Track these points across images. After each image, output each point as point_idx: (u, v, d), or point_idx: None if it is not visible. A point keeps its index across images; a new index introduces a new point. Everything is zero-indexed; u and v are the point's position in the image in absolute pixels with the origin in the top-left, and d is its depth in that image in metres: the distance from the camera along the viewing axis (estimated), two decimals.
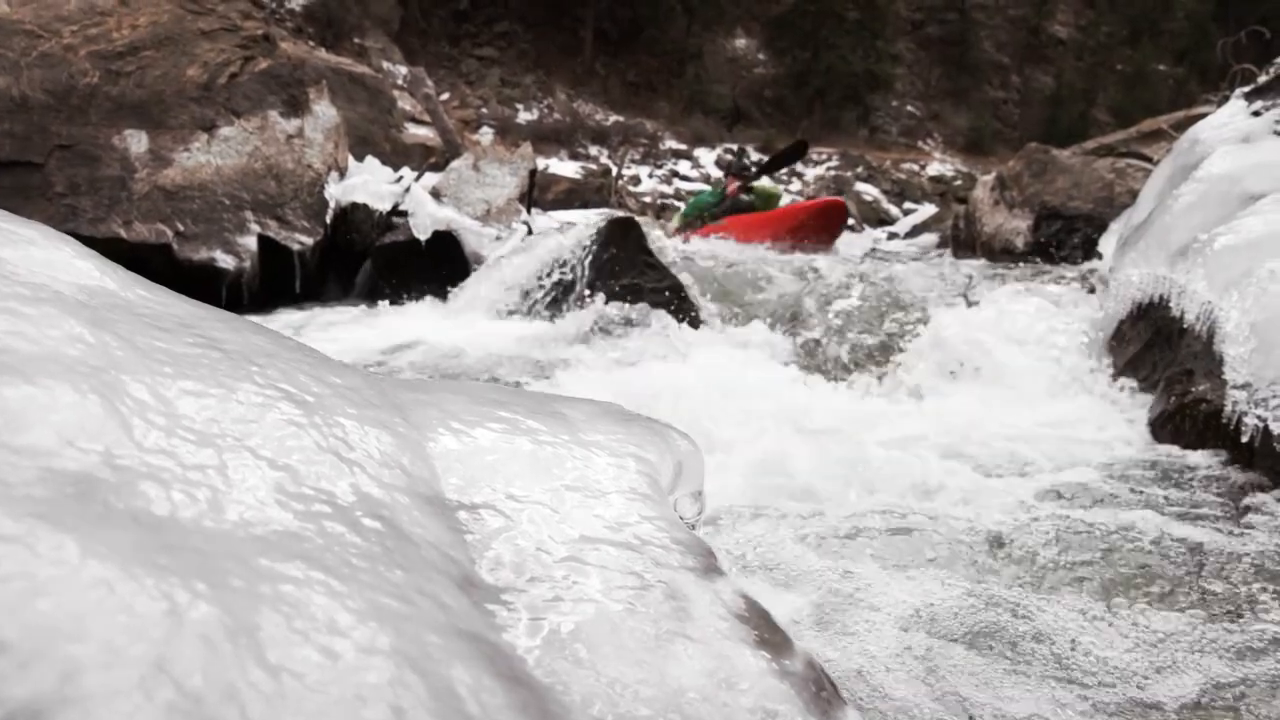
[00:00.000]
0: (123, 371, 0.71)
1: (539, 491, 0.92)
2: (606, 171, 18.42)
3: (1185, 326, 3.93)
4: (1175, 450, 3.63)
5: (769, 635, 0.84)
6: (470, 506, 0.87)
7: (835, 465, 3.02)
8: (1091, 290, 5.14)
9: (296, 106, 7.83)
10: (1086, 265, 6.62)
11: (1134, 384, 4.32)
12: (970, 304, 5.01)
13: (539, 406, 1.14)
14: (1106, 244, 5.54)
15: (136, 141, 6.91)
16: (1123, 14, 38.13)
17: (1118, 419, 4.18)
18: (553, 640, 0.72)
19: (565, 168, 18.32)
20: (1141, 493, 3.02)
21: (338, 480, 0.76)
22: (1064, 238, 9.42)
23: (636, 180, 20.49)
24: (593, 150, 21.81)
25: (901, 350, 4.81)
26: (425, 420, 0.96)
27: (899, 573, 2.06)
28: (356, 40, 20.57)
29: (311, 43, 17.22)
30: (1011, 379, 4.48)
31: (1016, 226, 10.16)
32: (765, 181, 11.28)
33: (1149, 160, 11.45)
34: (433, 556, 0.75)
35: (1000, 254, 9.93)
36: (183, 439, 0.69)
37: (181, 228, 6.77)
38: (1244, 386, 3.27)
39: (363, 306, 6.89)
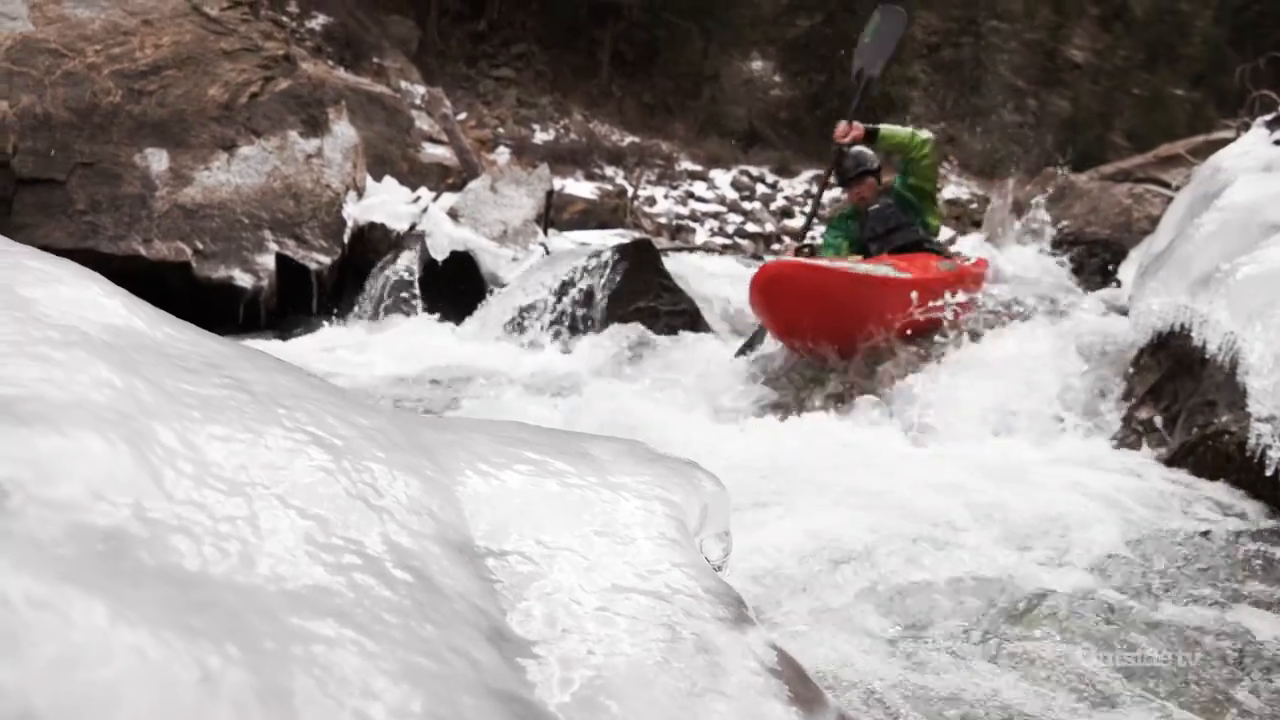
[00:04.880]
0: (152, 418, 0.70)
1: (568, 537, 0.91)
2: (622, 192, 18.46)
3: (1207, 357, 3.89)
4: (1194, 481, 3.59)
5: (802, 690, 0.82)
6: (499, 553, 0.85)
7: (848, 496, 3.00)
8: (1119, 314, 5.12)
9: (316, 126, 7.88)
10: (1105, 292, 6.59)
11: (1153, 414, 4.28)
12: (984, 331, 4.97)
13: (565, 446, 1.13)
14: (1126, 271, 5.51)
15: (157, 160, 6.96)
16: (1139, 38, 38.16)
17: (1135, 450, 4.14)
18: (585, 696, 0.71)
19: (581, 188, 18.37)
20: (1161, 530, 2.98)
21: (367, 529, 0.74)
22: (1081, 263, 9.38)
23: (652, 201, 20.52)
24: (609, 171, 21.87)
25: (909, 378, 4.77)
26: (452, 462, 0.95)
27: (912, 633, 2.03)
28: (375, 60, 20.71)
29: (331, 62, 17.35)
30: (1028, 409, 4.45)
31: (1034, 250, 10.11)
32: (886, 126, 6.07)
33: (1167, 186, 11.42)
34: (463, 608, 0.73)
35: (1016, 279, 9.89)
36: (213, 488, 0.68)
37: (201, 246, 6.80)
38: (1269, 419, 3.24)
39: (379, 326, 6.90)
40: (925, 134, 6.11)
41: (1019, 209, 10.71)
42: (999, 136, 34.25)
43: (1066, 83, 38.13)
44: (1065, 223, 10.46)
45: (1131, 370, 4.54)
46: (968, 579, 2.17)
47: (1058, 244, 9.50)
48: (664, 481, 1.10)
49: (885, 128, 6.13)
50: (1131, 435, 4.29)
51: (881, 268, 5.32)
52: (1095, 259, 9.27)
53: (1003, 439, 4.19)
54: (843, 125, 6.09)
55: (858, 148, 6.20)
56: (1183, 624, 2.18)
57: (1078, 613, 2.16)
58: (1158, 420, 4.22)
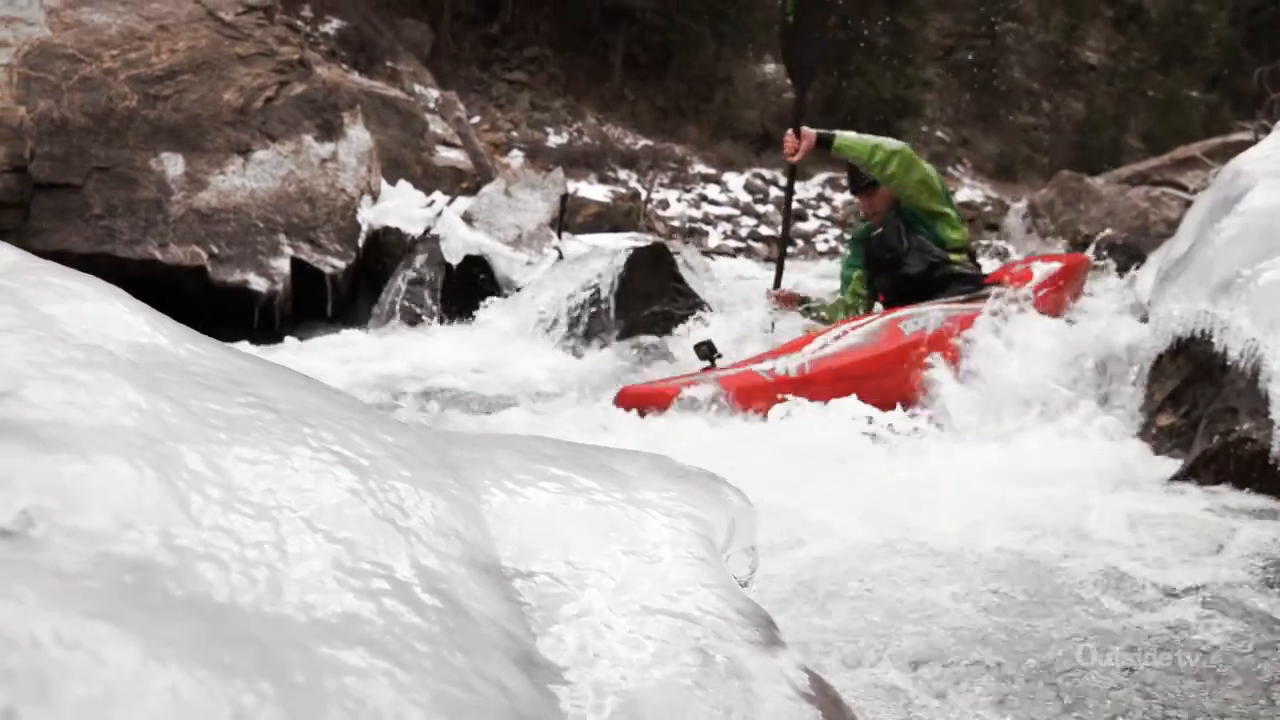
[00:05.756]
0: (178, 440, 0.69)
1: (596, 557, 0.90)
2: (635, 195, 18.46)
3: (1228, 364, 3.86)
4: (1216, 488, 3.56)
5: (836, 716, 0.81)
6: (527, 574, 0.84)
7: (870, 500, 2.98)
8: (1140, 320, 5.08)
9: (330, 131, 7.89)
10: (1122, 296, 6.53)
11: (1173, 420, 4.25)
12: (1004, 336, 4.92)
13: (590, 462, 1.12)
14: (1145, 276, 5.47)
15: (173, 164, 6.97)
16: (1154, 40, 37.97)
17: (1155, 456, 4.11)
18: None
19: (594, 191, 18.37)
20: (1178, 539, 2.95)
21: (395, 552, 0.73)
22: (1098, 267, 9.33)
23: (665, 204, 20.51)
24: (622, 174, 21.87)
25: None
26: (478, 479, 0.94)
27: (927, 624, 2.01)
28: (389, 64, 20.76)
29: (345, 66, 17.40)
30: (1045, 413, 4.42)
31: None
32: (846, 134, 5.10)
33: (1184, 189, 11.37)
34: (492, 633, 0.72)
35: None
36: (240, 513, 0.66)
37: (216, 250, 6.82)
38: None
39: (394, 330, 6.90)
40: (892, 144, 5.00)
41: (1035, 213, 10.67)
42: (1013, 139, 34.15)
43: (1081, 85, 37.98)
44: (1081, 226, 10.42)
45: (1151, 376, 4.50)
46: (996, 594, 2.15)
47: (1074, 248, 9.45)
48: (690, 498, 1.09)
49: (842, 137, 5.08)
50: (1151, 441, 4.25)
51: (786, 360, 4.45)
52: (1112, 262, 9.23)
53: (1020, 442, 4.16)
54: (790, 139, 5.26)
55: None
56: (1208, 634, 2.15)
57: (1097, 628, 2.13)
58: (1178, 427, 4.18)
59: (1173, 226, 9.79)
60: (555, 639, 0.77)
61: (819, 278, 9.74)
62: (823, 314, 5.54)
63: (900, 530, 2.30)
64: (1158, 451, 4.11)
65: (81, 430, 0.63)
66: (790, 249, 18.35)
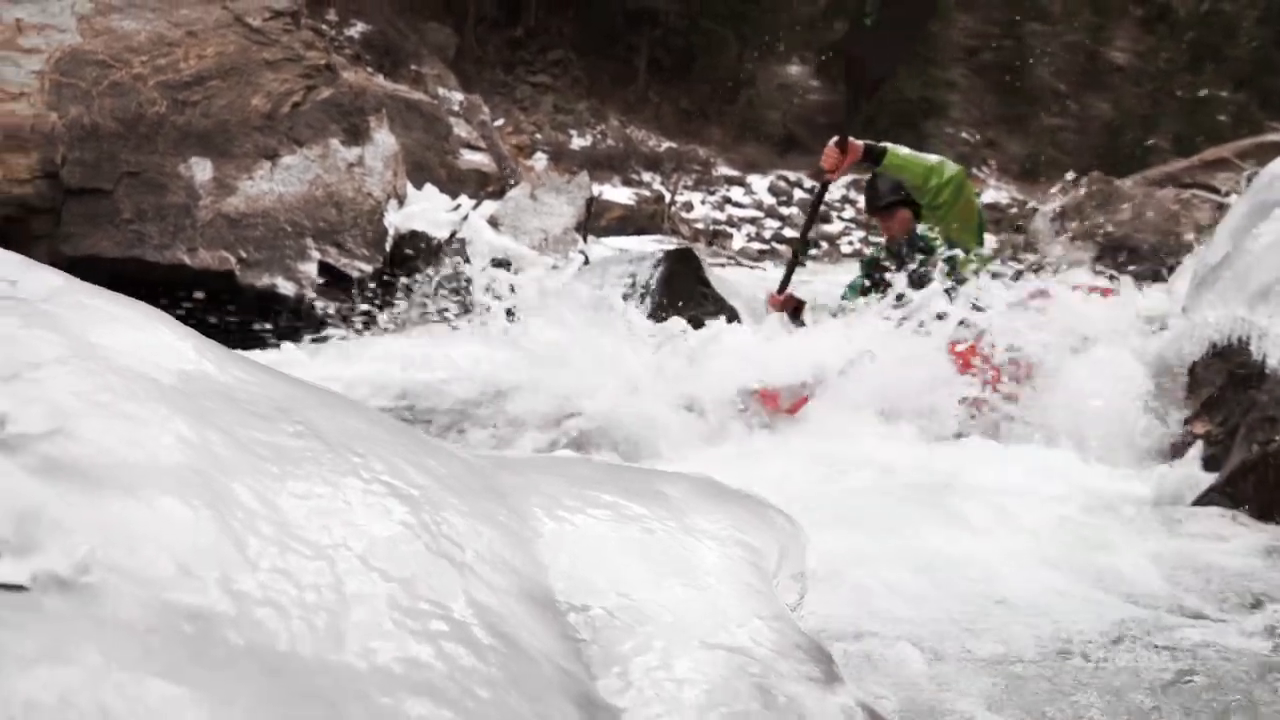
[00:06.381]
0: (231, 476, 0.67)
1: (650, 589, 0.88)
2: (660, 198, 18.43)
3: (1267, 371, 3.79)
4: (1254, 498, 3.49)
5: None
6: (581, 608, 0.82)
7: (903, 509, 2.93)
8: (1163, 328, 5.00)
9: (357, 135, 7.91)
10: (1155, 302, 6.45)
11: (1209, 428, 4.18)
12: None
13: (637, 485, 1.09)
14: (1179, 281, 5.39)
15: (202, 169, 7.00)
16: (1183, 40, 37.59)
17: (1190, 465, 4.05)
18: None
19: (618, 194, 18.36)
20: (1216, 549, 2.89)
21: (451, 589, 0.71)
22: (1127, 270, 9.25)
23: (689, 206, 20.48)
24: (645, 176, 21.86)
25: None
26: (527, 508, 0.92)
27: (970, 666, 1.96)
28: (413, 67, 20.83)
29: (369, 69, 17.47)
30: (1079, 424, 4.35)
31: (1078, 258, 9.98)
32: (899, 150, 4.53)
33: (1215, 191, 11.24)
34: (550, 673, 0.70)
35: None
36: (296, 552, 0.65)
37: (244, 254, 6.84)
38: None
39: (422, 333, 6.90)
40: (950, 169, 4.41)
41: (1063, 217, 10.58)
42: (1039, 140, 33.92)
43: (1108, 85, 37.66)
44: (1110, 229, 10.32)
45: (1186, 383, 4.44)
46: (1045, 614, 2.10)
47: (1103, 251, 9.38)
48: (740, 523, 1.06)
49: (894, 153, 4.46)
50: (1186, 449, 4.19)
51: None
52: (1143, 265, 9.14)
53: (1052, 451, 4.09)
54: (831, 151, 4.54)
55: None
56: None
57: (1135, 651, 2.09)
58: (1215, 435, 4.12)
59: (1203, 230, 9.67)
60: (614, 678, 0.75)
61: (831, 285, 9.52)
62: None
63: (948, 556, 2.24)
64: (1194, 460, 4.04)
65: (134, 468, 0.61)
66: (814, 251, 18.28)
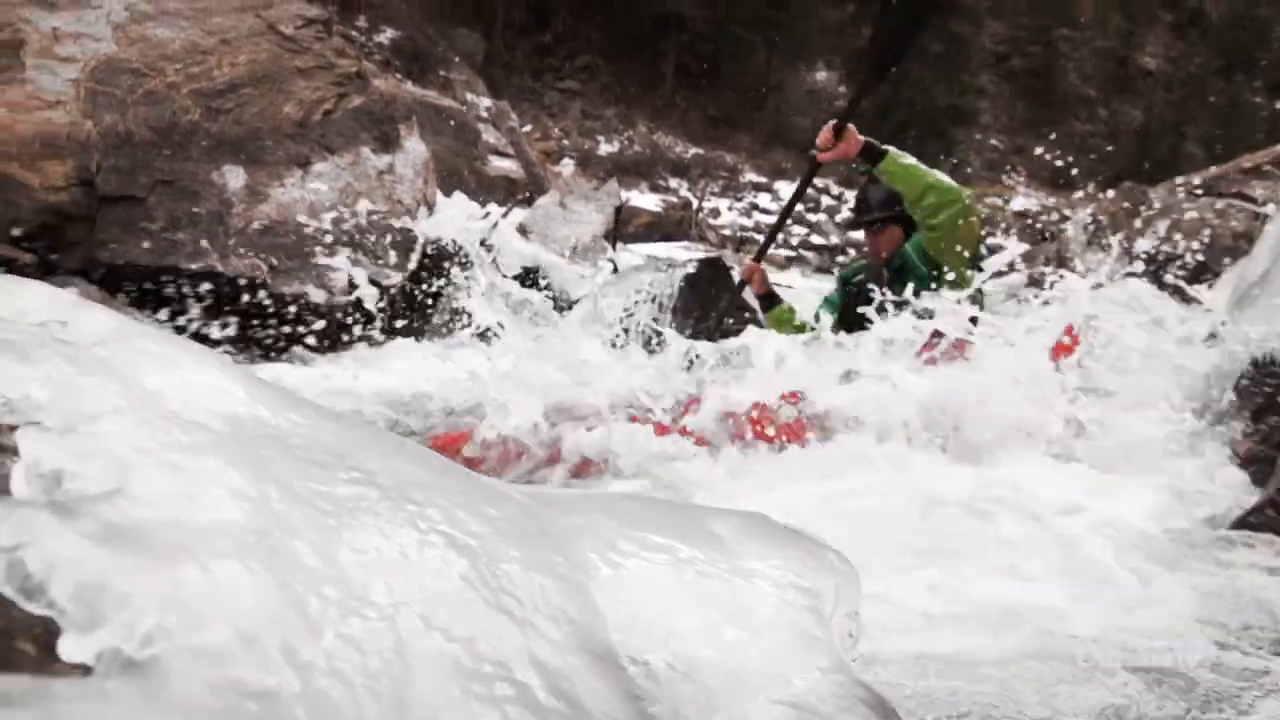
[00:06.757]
0: (290, 533, 0.65)
1: (709, 639, 0.85)
2: (687, 204, 18.41)
3: None
4: None
5: None
6: (641, 662, 0.80)
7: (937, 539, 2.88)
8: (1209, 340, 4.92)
9: (387, 143, 7.94)
10: (1194, 312, 6.36)
11: (1254, 446, 4.11)
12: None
13: (688, 524, 1.07)
14: (1219, 295, 5.31)
15: (234, 177, 7.04)
16: (1215, 45, 37.24)
17: (1234, 483, 3.98)
18: None
19: (646, 200, 18.36)
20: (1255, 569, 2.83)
21: (513, 648, 0.69)
22: (1162, 279, 9.12)
23: (716, 213, 20.46)
24: (673, 183, 21.86)
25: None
26: (583, 554, 0.90)
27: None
28: (442, 73, 20.92)
29: (399, 75, 17.56)
30: (1122, 440, 4.29)
31: (1112, 268, 9.87)
32: (902, 156, 4.06)
33: (1252, 200, 11.09)
34: None
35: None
36: (358, 615, 0.63)
37: (275, 262, 6.87)
38: None
39: (451, 342, 6.92)
40: (951, 188, 3.94)
41: (1096, 226, 10.47)
42: (1069, 146, 33.69)
43: (1139, 91, 37.37)
44: (1143, 239, 10.20)
45: (1230, 400, 4.37)
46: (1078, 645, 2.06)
47: (1141, 262, 9.23)
48: (795, 565, 1.04)
49: (894, 157, 4.02)
50: (1229, 467, 4.12)
51: None
52: (1179, 277, 9.02)
53: (1090, 472, 4.03)
54: (826, 132, 4.13)
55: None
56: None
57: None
58: (1257, 453, 4.05)
59: (1240, 240, 9.55)
60: None
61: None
62: (783, 322, 4.80)
63: (999, 590, 2.19)
64: (1236, 478, 3.97)
65: (194, 530, 0.60)
66: (842, 258, 18.16)
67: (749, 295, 7.34)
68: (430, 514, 0.79)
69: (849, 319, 4.16)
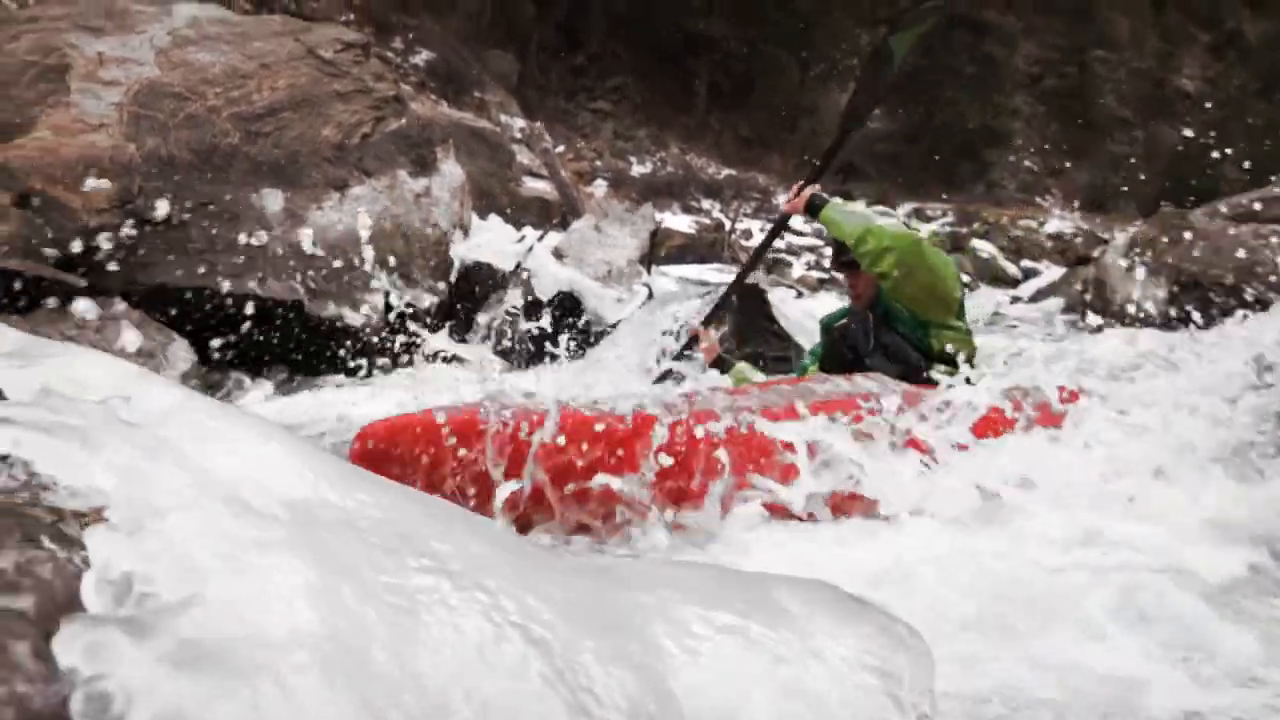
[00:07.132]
0: (366, 637, 0.62)
1: None
2: (720, 225, 18.41)
3: None
4: None
5: None
6: None
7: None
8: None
9: (424, 166, 7.97)
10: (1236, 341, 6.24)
11: None
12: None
13: (755, 597, 1.04)
14: (1269, 328, 5.19)
15: (273, 200, 7.09)
16: (1253, 66, 36.85)
17: None
18: None
19: (678, 221, 18.38)
20: None
21: None
22: (1204, 308, 8.99)
23: (749, 234, 20.42)
24: (705, 204, 21.86)
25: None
26: (654, 637, 0.86)
27: None
28: (476, 94, 21.06)
29: (434, 97, 17.69)
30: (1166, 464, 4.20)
31: (1153, 295, 9.75)
32: (842, 205, 4.06)
33: None
34: None
35: (1135, 324, 9.52)
36: None
37: (313, 284, 6.90)
38: None
39: (488, 366, 6.92)
40: (892, 235, 3.80)
41: (1134, 252, 10.34)
42: (1105, 169, 33.42)
43: (1176, 112, 37.02)
44: (1184, 265, 10.08)
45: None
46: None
47: (1179, 290, 9.12)
48: (869, 644, 1.00)
49: (831, 208, 3.99)
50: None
51: None
52: (1219, 304, 8.89)
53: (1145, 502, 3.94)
54: (794, 188, 4.24)
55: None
56: None
57: None
58: None
59: None
60: None
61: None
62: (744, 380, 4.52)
63: (1073, 657, 2.11)
64: None
65: (273, 646, 0.57)
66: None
67: (785, 321, 7.24)
68: (503, 603, 0.75)
69: (830, 365, 4.00)
